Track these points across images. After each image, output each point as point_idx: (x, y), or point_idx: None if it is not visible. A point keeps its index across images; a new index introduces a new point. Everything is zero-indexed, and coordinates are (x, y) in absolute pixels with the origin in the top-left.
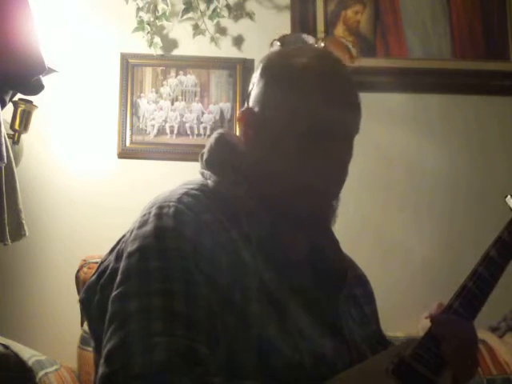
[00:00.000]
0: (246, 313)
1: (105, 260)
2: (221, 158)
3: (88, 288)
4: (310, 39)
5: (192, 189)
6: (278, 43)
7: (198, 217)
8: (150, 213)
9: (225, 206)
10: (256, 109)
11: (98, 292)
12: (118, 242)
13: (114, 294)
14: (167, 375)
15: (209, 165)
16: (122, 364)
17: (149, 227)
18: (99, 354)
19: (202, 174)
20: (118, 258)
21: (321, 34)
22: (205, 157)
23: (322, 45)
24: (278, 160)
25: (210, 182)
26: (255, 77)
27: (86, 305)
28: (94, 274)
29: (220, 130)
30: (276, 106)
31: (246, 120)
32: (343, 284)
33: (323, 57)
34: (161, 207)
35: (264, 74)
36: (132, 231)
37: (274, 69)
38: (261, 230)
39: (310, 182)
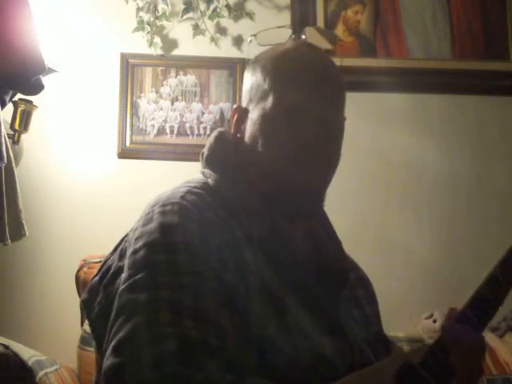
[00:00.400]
0: (247, 311)
1: (107, 260)
2: (220, 156)
3: (90, 289)
4: (287, 32)
5: (195, 187)
6: (254, 38)
7: (202, 214)
8: (153, 211)
9: (226, 205)
10: (244, 105)
11: (100, 291)
12: (120, 242)
13: (121, 288)
14: (179, 367)
15: (209, 163)
16: (132, 354)
17: (154, 224)
18: (101, 355)
19: (203, 173)
20: (122, 256)
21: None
22: (205, 155)
23: (303, 37)
24: (263, 147)
25: (210, 181)
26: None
27: (87, 305)
28: (96, 275)
29: (220, 129)
30: (258, 97)
31: (237, 116)
32: (344, 284)
33: (300, 46)
34: (164, 205)
35: (247, 70)
36: (136, 229)
37: (255, 64)
38: (261, 229)
39: (295, 158)
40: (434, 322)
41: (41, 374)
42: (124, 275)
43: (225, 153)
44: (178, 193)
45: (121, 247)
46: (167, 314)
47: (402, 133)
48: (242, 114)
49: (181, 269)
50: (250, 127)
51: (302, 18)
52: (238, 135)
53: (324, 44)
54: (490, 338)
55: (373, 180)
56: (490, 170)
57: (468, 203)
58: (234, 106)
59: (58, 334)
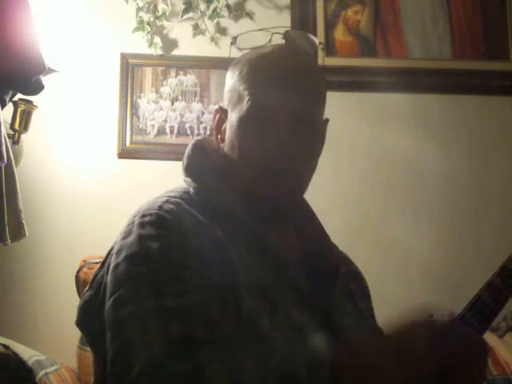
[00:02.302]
0: (239, 308)
1: (97, 275)
2: (197, 164)
3: (86, 304)
4: (267, 36)
5: (173, 196)
6: (235, 41)
7: (179, 221)
8: (133, 222)
9: (206, 211)
10: (225, 105)
11: (95, 310)
12: (107, 256)
13: (107, 304)
14: (168, 363)
15: (188, 172)
16: (125, 365)
17: (132, 237)
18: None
19: (185, 181)
20: (108, 270)
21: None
22: (184, 165)
23: (283, 41)
24: (237, 152)
25: (191, 190)
26: None
27: (84, 324)
28: (88, 290)
29: (198, 137)
30: (235, 101)
31: (218, 117)
32: (335, 281)
33: (276, 50)
34: (143, 216)
35: (228, 71)
36: (117, 242)
37: (234, 66)
38: (245, 231)
39: (266, 163)
40: None
41: (41, 374)
42: (108, 291)
43: (201, 160)
44: (156, 203)
45: (107, 262)
46: (152, 321)
47: (402, 133)
48: (223, 114)
49: (161, 277)
50: (228, 130)
51: (301, 18)
52: (219, 136)
53: (304, 48)
54: (490, 337)
55: (373, 180)
56: (489, 170)
57: (468, 203)
58: (216, 106)
59: (57, 334)
